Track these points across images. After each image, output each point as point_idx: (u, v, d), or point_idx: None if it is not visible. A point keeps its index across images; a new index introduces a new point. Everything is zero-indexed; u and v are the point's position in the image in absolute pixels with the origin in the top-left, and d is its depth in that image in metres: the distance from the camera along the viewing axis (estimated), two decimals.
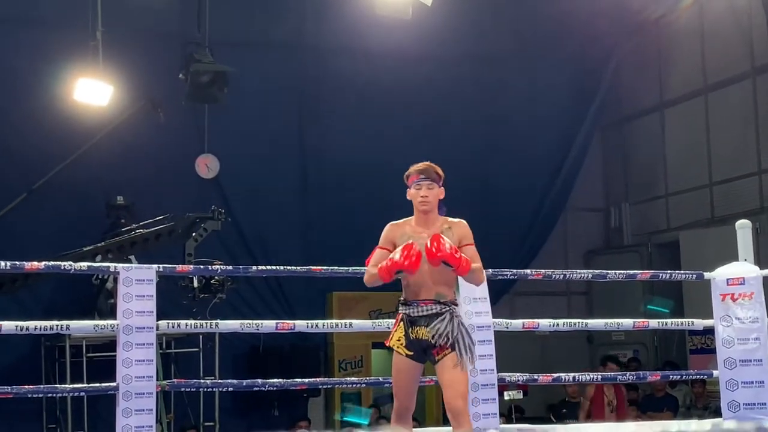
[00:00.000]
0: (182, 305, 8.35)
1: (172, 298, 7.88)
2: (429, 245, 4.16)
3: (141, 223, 8.56)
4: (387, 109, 10.59)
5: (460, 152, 10.50)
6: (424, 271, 4.28)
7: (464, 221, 4.42)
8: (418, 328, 4.29)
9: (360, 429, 8.84)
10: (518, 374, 5.39)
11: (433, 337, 4.26)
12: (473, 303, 5.11)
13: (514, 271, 6.00)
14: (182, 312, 7.86)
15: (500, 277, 5.52)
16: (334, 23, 10.08)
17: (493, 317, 5.20)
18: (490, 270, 5.29)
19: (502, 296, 10.57)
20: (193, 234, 8.30)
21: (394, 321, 4.40)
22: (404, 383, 4.35)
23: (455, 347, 4.24)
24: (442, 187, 4.39)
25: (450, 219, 4.41)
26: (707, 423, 5.56)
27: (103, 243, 8.33)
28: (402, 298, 4.38)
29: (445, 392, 4.22)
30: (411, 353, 4.31)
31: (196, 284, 8.28)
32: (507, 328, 5.32)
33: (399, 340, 4.32)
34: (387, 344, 4.36)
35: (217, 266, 5.45)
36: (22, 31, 9.21)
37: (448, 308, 4.32)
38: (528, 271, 6.09)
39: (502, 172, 11.16)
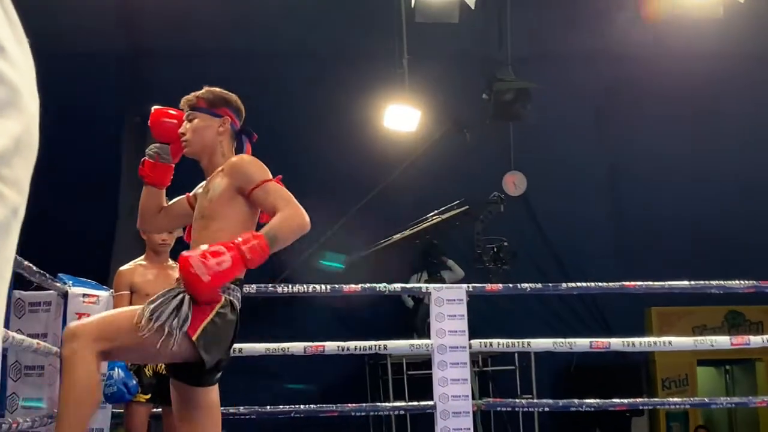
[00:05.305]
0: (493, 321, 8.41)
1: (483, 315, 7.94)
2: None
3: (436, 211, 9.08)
4: (697, 115, 10.05)
5: None
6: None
7: (244, 156, 3.19)
8: None
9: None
10: None
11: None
12: None
13: None
14: (494, 328, 7.92)
15: None
16: (634, 28, 9.73)
17: None
18: None
19: None
20: (480, 217, 8.78)
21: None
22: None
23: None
24: (217, 117, 3.19)
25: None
26: None
27: (408, 231, 8.96)
28: None
29: None
30: None
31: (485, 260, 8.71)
32: None
33: None
34: None
35: (526, 285, 5.39)
36: (338, 67, 9.68)
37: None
38: None
39: None
